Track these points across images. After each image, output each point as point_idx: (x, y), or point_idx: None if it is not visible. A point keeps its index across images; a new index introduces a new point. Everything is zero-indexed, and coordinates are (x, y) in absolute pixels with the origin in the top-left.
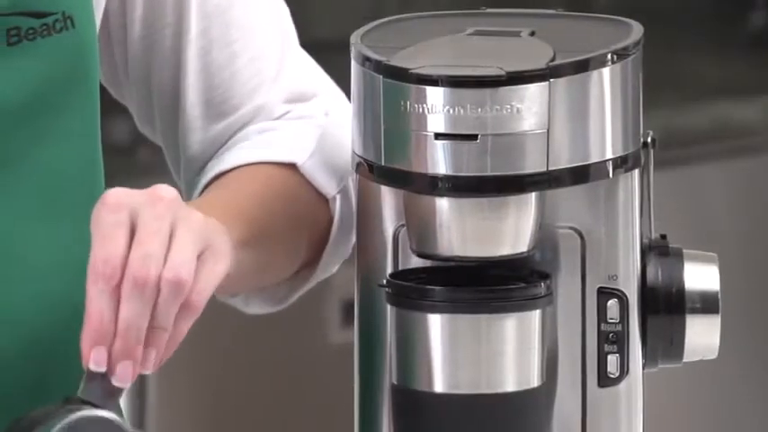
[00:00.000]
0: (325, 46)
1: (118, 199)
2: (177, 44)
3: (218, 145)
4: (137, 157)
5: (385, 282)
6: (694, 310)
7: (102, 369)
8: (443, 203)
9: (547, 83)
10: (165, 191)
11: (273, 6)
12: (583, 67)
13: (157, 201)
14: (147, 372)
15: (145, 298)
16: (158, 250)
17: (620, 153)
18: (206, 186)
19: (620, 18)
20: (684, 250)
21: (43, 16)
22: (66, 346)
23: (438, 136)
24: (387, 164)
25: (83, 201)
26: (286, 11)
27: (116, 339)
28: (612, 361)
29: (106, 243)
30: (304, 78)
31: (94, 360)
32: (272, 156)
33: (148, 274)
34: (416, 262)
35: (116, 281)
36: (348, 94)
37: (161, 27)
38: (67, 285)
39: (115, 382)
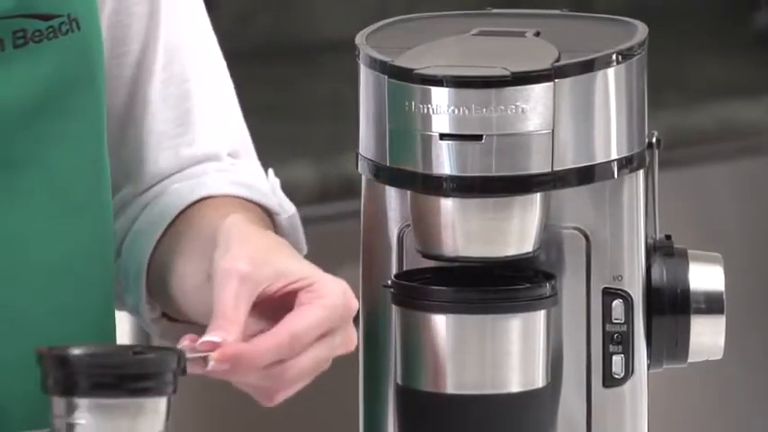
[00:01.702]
0: (331, 46)
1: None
2: (138, 74)
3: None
4: None
5: (390, 282)
6: (699, 311)
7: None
8: (448, 204)
9: (552, 83)
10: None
11: (221, 60)
12: (588, 67)
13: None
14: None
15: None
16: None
17: (625, 153)
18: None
19: (624, 18)
20: (689, 251)
21: (49, 18)
22: None
23: (443, 136)
24: (392, 164)
25: (89, 202)
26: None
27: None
28: (617, 361)
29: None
30: (240, 135)
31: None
32: (258, 198)
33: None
34: (421, 262)
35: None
36: (354, 95)
37: (121, 54)
38: (74, 286)
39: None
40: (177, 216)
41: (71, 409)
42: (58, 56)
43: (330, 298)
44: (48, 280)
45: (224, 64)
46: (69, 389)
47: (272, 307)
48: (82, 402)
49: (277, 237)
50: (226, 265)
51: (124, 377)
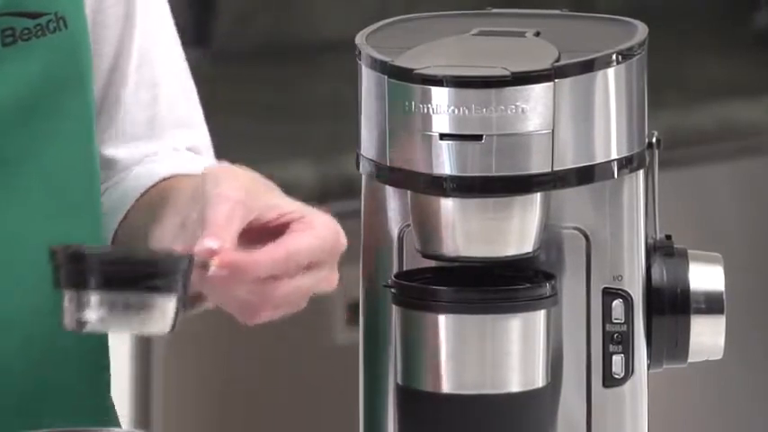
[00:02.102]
0: (331, 46)
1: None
2: (112, 75)
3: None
4: None
5: (390, 282)
6: (699, 311)
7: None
8: (448, 204)
9: (552, 83)
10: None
11: (185, 64)
12: (588, 67)
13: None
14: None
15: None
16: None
17: (625, 153)
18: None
19: (624, 18)
20: (689, 251)
21: (37, 17)
22: (64, 347)
23: (443, 136)
24: (392, 164)
25: (83, 201)
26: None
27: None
28: (617, 361)
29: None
30: (202, 135)
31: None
32: None
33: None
34: (422, 262)
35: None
36: (354, 95)
37: (97, 54)
38: None
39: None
40: (142, 195)
41: (82, 305)
42: (48, 54)
43: (323, 230)
44: (45, 279)
45: (187, 67)
46: (82, 283)
47: (262, 238)
48: (93, 297)
49: (266, 179)
50: (219, 191)
51: (136, 274)
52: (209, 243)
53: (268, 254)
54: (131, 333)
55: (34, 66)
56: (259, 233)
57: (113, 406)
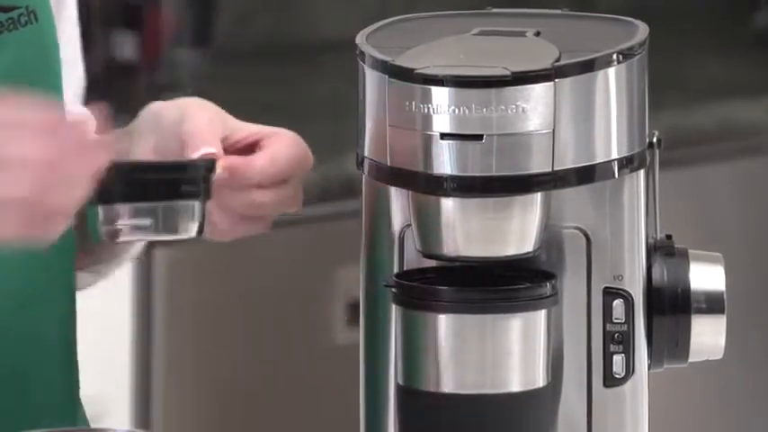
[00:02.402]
0: (331, 46)
1: None
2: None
3: None
4: None
5: (391, 282)
6: (700, 311)
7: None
8: (449, 203)
9: (552, 83)
10: None
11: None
12: (588, 67)
13: None
14: None
15: None
16: None
17: (625, 153)
18: None
19: (625, 18)
20: (690, 250)
21: (9, 10)
22: (29, 338)
23: (443, 136)
24: (392, 164)
25: None
26: None
27: None
28: (618, 361)
29: None
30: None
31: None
32: None
33: None
34: (422, 262)
35: None
36: (354, 95)
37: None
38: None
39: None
40: None
41: (114, 216)
42: (19, 47)
43: (292, 146)
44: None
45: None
46: (112, 196)
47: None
48: (123, 209)
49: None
50: (194, 110)
51: (164, 183)
52: (207, 149)
53: (260, 160)
54: (163, 239)
55: (6, 58)
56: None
57: (81, 404)
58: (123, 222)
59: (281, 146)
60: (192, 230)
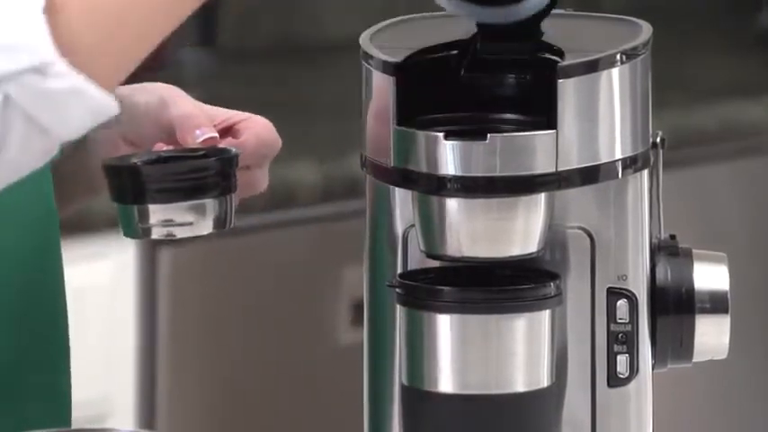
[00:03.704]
0: (335, 46)
1: None
2: None
3: None
4: None
5: (394, 282)
6: (704, 310)
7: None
8: (453, 204)
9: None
10: None
11: None
12: (592, 67)
13: None
14: None
15: None
16: None
17: (629, 153)
18: None
19: (629, 18)
20: (694, 250)
21: None
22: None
23: (447, 136)
24: (396, 164)
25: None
26: None
27: None
28: (622, 361)
29: None
30: None
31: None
32: None
33: None
34: (426, 262)
35: None
36: (359, 95)
37: None
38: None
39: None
40: None
41: (143, 217)
42: None
43: (265, 130)
44: None
45: None
46: (140, 197)
47: None
48: (152, 208)
49: None
50: (173, 94)
51: (191, 181)
52: (209, 134)
53: (247, 142)
54: (193, 235)
55: None
56: None
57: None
58: (156, 220)
59: (256, 130)
60: (223, 223)
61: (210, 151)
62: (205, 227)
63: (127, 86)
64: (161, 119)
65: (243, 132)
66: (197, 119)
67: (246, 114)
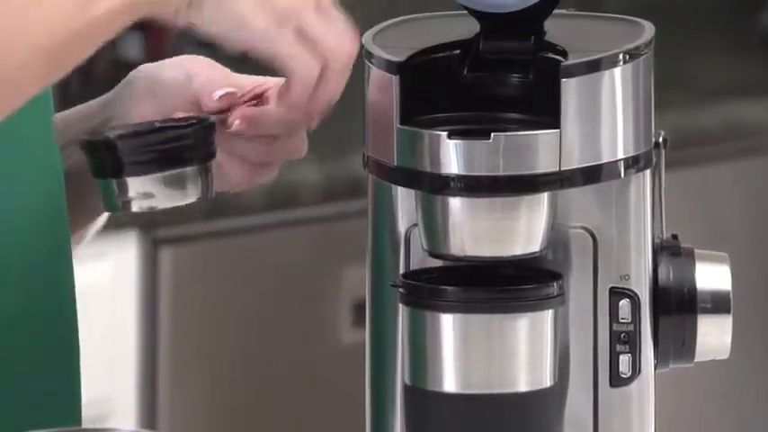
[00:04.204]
0: None
1: None
2: None
3: None
4: None
5: (397, 281)
6: (706, 310)
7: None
8: (455, 203)
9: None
10: None
11: None
12: (594, 67)
13: None
14: None
15: None
16: None
17: (631, 153)
18: None
19: (631, 18)
20: (696, 250)
21: None
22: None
23: (451, 135)
24: (399, 164)
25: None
26: None
27: None
28: (624, 361)
29: None
30: None
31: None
32: None
33: None
34: (429, 262)
35: None
36: (361, 94)
37: None
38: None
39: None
40: None
41: (122, 190)
42: None
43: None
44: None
45: None
46: (119, 171)
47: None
48: (131, 181)
49: None
50: (199, 67)
51: (169, 152)
52: (227, 90)
53: (276, 109)
54: (174, 205)
55: None
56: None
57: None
58: (135, 193)
59: (294, 95)
60: (201, 192)
61: (187, 120)
62: (186, 197)
63: (156, 63)
64: (187, 93)
65: (273, 99)
66: (216, 83)
67: (278, 80)
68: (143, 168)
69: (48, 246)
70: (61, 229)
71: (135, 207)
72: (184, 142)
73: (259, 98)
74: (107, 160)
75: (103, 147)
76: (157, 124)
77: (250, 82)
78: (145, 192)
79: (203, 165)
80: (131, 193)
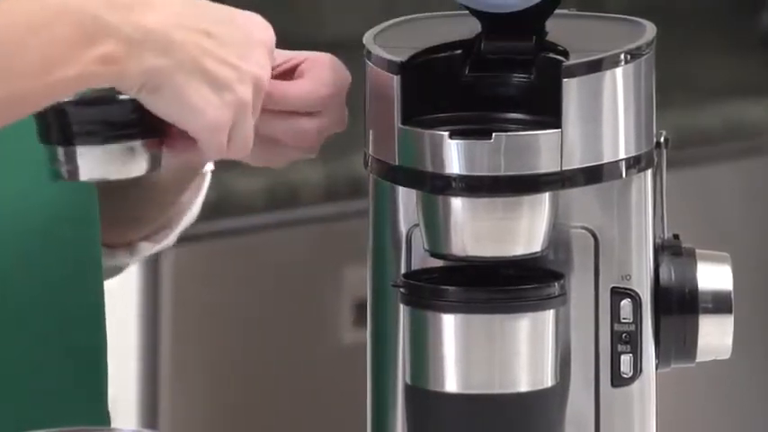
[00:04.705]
0: (338, 45)
1: None
2: None
3: None
4: None
5: (398, 281)
6: (707, 310)
7: None
8: (457, 203)
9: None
10: None
11: None
12: (596, 67)
13: None
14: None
15: None
16: None
17: (633, 153)
18: None
19: (633, 18)
20: (697, 250)
21: None
22: (58, 350)
23: (452, 135)
24: (400, 164)
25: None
26: None
27: None
28: (626, 361)
29: None
30: None
31: None
32: None
33: None
34: (430, 262)
35: None
36: (362, 94)
37: None
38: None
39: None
40: None
41: (69, 158)
42: None
43: (331, 69)
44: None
45: None
46: (68, 138)
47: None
48: (80, 150)
49: None
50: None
51: (118, 123)
52: None
53: (298, 86)
54: (122, 178)
55: None
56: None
57: (109, 414)
58: (82, 162)
59: (320, 70)
60: (149, 167)
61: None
62: (134, 170)
63: None
64: None
65: (309, 73)
66: None
67: (310, 54)
68: (92, 138)
69: (77, 256)
70: (91, 217)
71: (83, 177)
72: (135, 114)
73: (292, 73)
74: (55, 126)
75: (53, 113)
76: (115, 96)
77: (281, 56)
78: (92, 162)
79: (154, 139)
80: (79, 162)
